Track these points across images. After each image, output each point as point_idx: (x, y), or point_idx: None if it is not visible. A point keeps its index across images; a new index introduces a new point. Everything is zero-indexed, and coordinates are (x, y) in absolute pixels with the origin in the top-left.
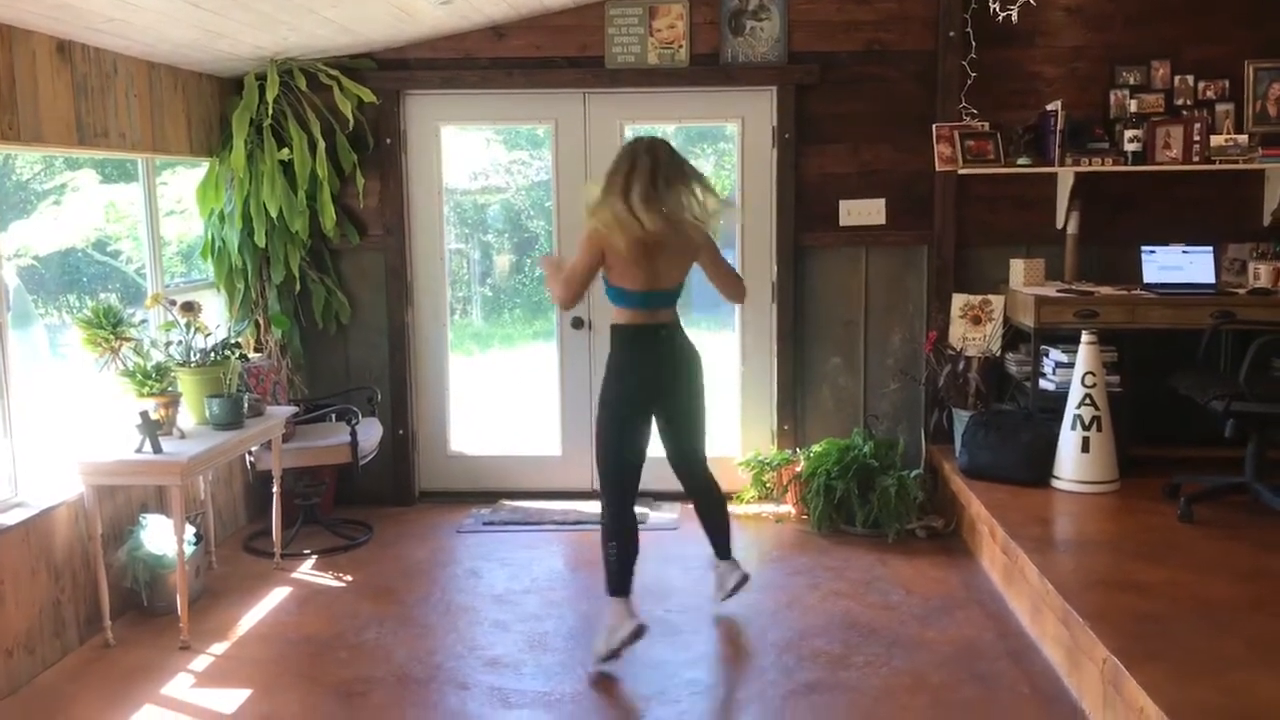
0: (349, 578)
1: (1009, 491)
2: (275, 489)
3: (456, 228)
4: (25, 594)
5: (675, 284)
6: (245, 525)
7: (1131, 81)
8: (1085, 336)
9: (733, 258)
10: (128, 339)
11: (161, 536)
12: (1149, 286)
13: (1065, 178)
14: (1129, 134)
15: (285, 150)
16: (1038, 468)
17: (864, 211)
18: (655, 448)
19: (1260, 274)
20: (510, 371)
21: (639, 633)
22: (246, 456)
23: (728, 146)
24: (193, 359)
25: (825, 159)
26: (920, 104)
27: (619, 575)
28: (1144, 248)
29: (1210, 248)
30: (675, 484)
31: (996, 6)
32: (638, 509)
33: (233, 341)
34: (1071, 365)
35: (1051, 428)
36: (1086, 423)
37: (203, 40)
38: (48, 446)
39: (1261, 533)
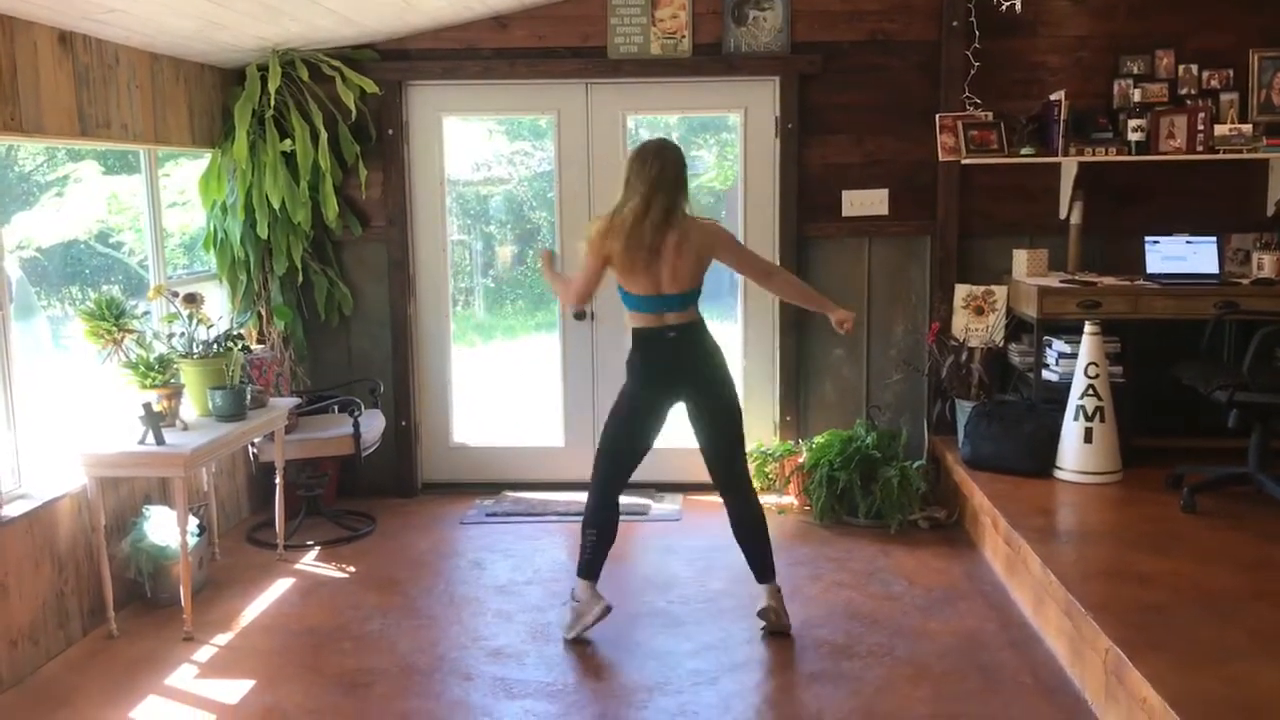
0: (352, 569)
1: (1012, 482)
2: (278, 480)
3: (459, 219)
4: (29, 585)
5: (684, 288)
6: (248, 517)
7: (1135, 71)
8: (1088, 327)
9: None
10: (130, 331)
11: (165, 528)
12: (1152, 277)
13: (1069, 168)
14: (1133, 124)
15: (287, 141)
16: (1040, 458)
17: (867, 202)
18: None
19: (1264, 264)
20: (513, 363)
21: (605, 613)
22: (249, 448)
23: (730, 137)
24: (195, 351)
25: (828, 149)
26: (923, 94)
27: (591, 561)
28: (1147, 238)
29: (1214, 238)
30: (677, 475)
31: None
32: (640, 499)
33: (235, 333)
34: (1074, 356)
35: (1054, 418)
36: (1089, 413)
37: (204, 31)
38: (51, 438)
39: (1264, 523)
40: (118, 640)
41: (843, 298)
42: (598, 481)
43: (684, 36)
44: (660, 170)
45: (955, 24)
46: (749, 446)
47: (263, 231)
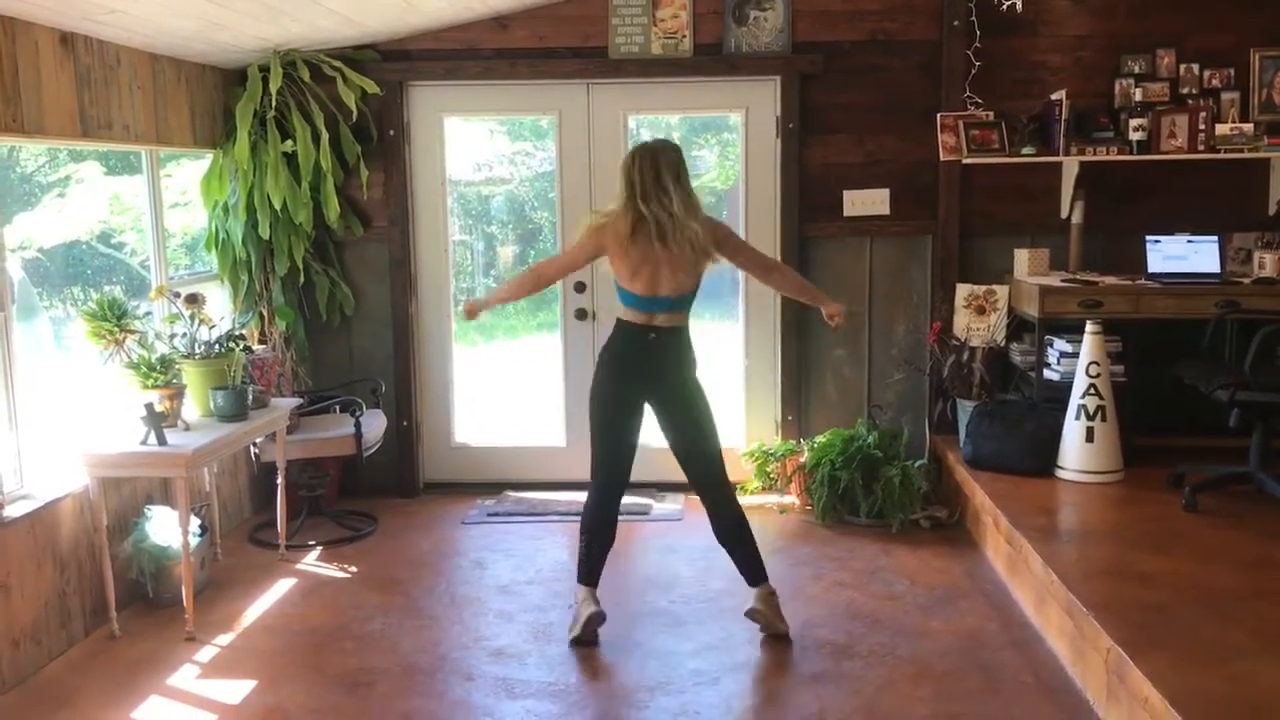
0: (354, 569)
1: (1013, 481)
2: (280, 480)
3: (460, 219)
4: (31, 586)
5: (681, 292)
6: (250, 517)
7: (1136, 70)
8: (1090, 326)
9: None
10: (132, 331)
11: (167, 528)
12: (1153, 276)
13: (1070, 167)
14: (1134, 123)
15: (289, 142)
16: (1042, 458)
17: (868, 201)
18: (656, 440)
19: (1265, 263)
20: (514, 362)
21: (599, 619)
22: (251, 448)
23: (731, 137)
24: (197, 351)
25: (829, 149)
26: (924, 94)
27: (589, 566)
28: (1148, 237)
29: (1215, 237)
30: (679, 475)
31: None
32: (642, 499)
33: (237, 333)
34: (1076, 355)
35: (1056, 418)
36: (1091, 413)
37: (205, 31)
38: (53, 439)
39: (1266, 522)
40: (120, 640)
41: (844, 297)
42: (592, 488)
43: (685, 36)
44: (662, 171)
45: (956, 23)
46: (750, 446)
47: (264, 232)
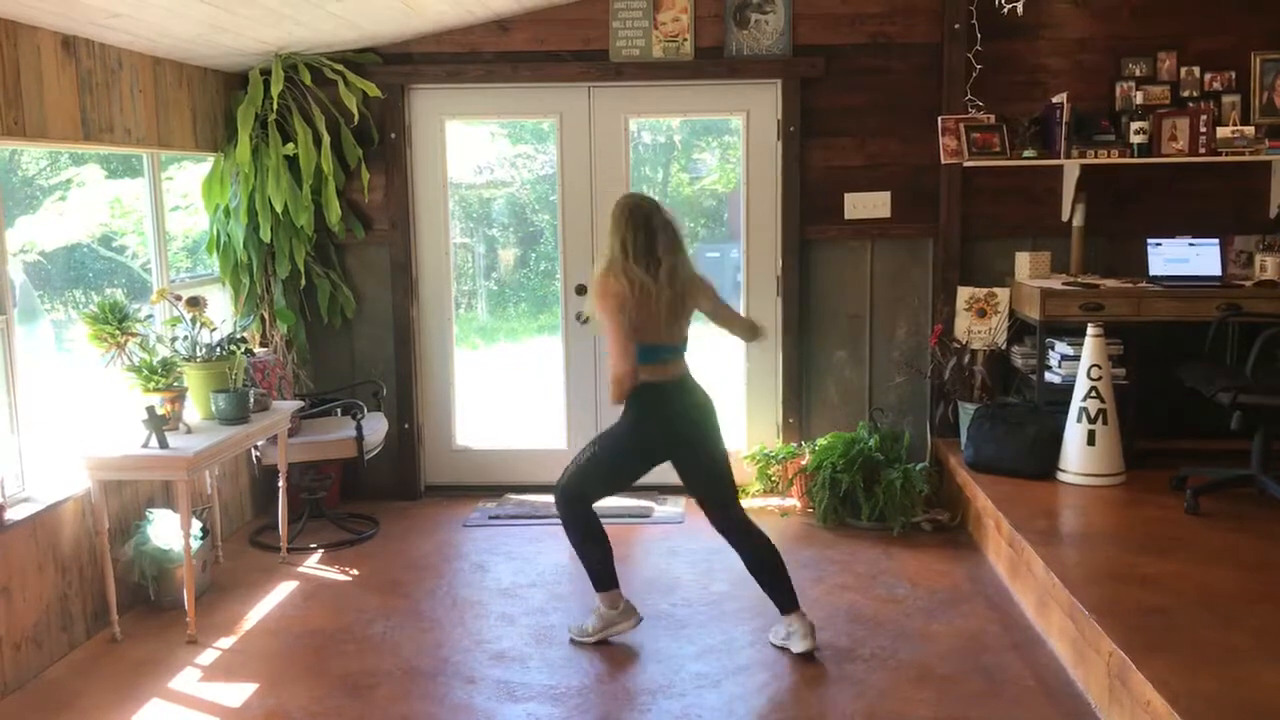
0: (355, 572)
1: (1014, 484)
2: (281, 483)
3: (461, 222)
4: (33, 589)
5: (680, 339)
6: (251, 520)
7: (1137, 73)
8: (1091, 329)
9: (738, 251)
10: (133, 334)
11: (168, 531)
12: (1155, 279)
13: (1071, 170)
14: (1135, 126)
15: (290, 145)
16: (1043, 461)
17: (869, 204)
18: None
19: (1266, 266)
20: (515, 365)
21: (636, 622)
22: (252, 451)
23: (732, 140)
24: (198, 354)
25: (830, 152)
26: (925, 96)
27: (601, 573)
28: (1150, 240)
29: (1216, 240)
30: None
31: None
32: (643, 502)
33: (238, 336)
34: (1077, 358)
35: (1057, 421)
36: (1092, 415)
37: (207, 35)
38: (54, 442)
39: (1268, 525)
40: (121, 644)
41: (845, 300)
42: (573, 513)
43: (686, 39)
44: (659, 233)
45: (957, 26)
46: (752, 449)
47: (265, 235)
